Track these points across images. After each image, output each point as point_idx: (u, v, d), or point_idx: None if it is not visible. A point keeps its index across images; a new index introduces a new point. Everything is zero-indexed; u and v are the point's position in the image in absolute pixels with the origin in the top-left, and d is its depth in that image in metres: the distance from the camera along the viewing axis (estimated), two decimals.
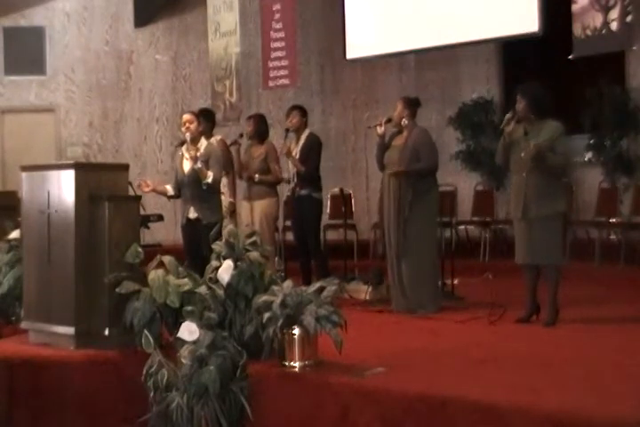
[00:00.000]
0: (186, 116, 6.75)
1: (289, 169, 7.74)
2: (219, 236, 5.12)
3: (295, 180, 7.64)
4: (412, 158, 6.55)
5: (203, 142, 6.77)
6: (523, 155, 5.83)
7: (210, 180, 6.50)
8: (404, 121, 6.67)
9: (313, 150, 7.68)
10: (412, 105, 6.76)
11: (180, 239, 6.98)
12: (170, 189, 6.79)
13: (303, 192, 7.60)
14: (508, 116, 5.96)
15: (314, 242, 7.70)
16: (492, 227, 9.84)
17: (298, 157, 7.61)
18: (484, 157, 10.18)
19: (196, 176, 6.51)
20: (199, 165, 6.46)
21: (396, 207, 6.53)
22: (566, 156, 5.89)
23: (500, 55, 10.66)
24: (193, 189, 6.61)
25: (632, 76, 9.29)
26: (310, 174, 7.62)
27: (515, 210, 5.96)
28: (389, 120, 6.74)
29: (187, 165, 6.66)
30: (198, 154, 6.49)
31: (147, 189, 6.47)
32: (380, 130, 6.72)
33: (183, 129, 6.72)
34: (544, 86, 6.00)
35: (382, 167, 6.78)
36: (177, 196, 6.79)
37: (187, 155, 6.65)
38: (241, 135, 7.92)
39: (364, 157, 11.52)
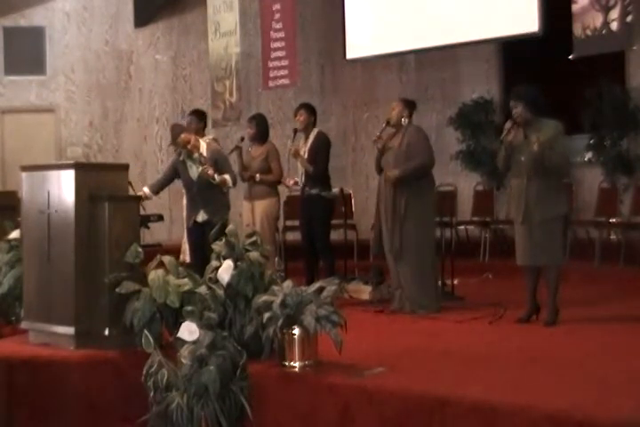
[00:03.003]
0: (183, 137, 6.74)
1: (297, 169, 7.65)
2: (219, 235, 5.13)
3: (304, 179, 7.58)
4: (407, 158, 6.54)
5: (202, 144, 6.79)
6: (523, 158, 5.83)
7: (231, 184, 6.83)
8: (404, 120, 6.68)
9: (322, 150, 7.58)
10: (411, 106, 6.78)
11: (178, 240, 7.00)
12: (147, 191, 6.83)
13: (313, 192, 7.50)
14: (507, 125, 5.93)
15: (323, 242, 7.62)
16: (492, 227, 9.84)
17: (306, 156, 7.52)
18: (484, 157, 10.18)
19: (206, 180, 6.61)
20: (217, 179, 6.66)
21: (392, 207, 6.52)
22: (564, 155, 5.87)
23: (500, 55, 10.65)
24: (203, 192, 6.74)
25: (632, 76, 9.29)
26: (319, 174, 7.53)
27: (516, 214, 5.94)
28: (388, 123, 6.71)
29: (193, 172, 6.72)
30: (204, 162, 6.58)
31: None
32: (380, 142, 6.67)
33: (186, 149, 6.74)
34: (536, 87, 5.99)
35: (380, 170, 6.78)
36: (156, 193, 6.95)
37: (189, 162, 6.72)
38: (242, 139, 7.91)
39: (364, 156, 11.57)
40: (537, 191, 5.79)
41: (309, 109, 7.74)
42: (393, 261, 6.61)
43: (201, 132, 7.61)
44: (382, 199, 6.69)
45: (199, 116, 7.77)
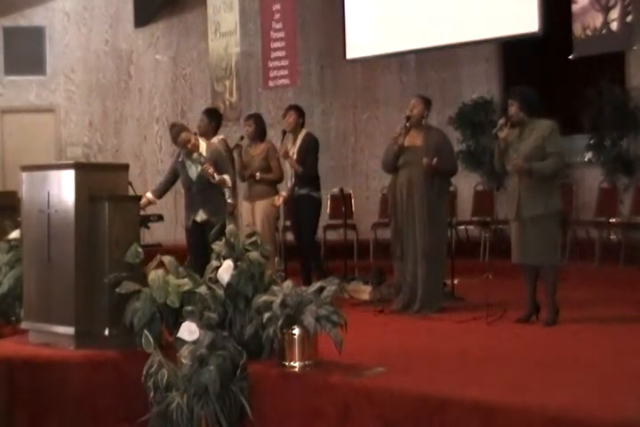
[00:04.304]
0: (183, 136, 6.67)
1: (287, 169, 7.74)
2: (219, 235, 5.13)
3: (293, 180, 7.65)
4: (436, 159, 6.54)
5: (202, 144, 6.78)
6: (515, 156, 5.83)
7: (230, 184, 6.81)
8: (425, 120, 6.71)
9: (310, 151, 7.67)
10: (429, 105, 6.80)
11: (180, 240, 6.99)
12: (150, 197, 6.82)
13: (302, 191, 7.61)
14: (500, 122, 5.97)
15: (308, 240, 7.70)
16: (492, 227, 9.84)
17: (295, 157, 7.60)
18: (484, 157, 10.16)
19: (205, 180, 6.59)
20: (216, 178, 6.62)
21: (425, 205, 6.49)
22: (557, 156, 5.85)
23: (500, 55, 10.66)
24: (202, 192, 6.72)
25: (632, 76, 9.28)
26: (308, 174, 7.63)
27: (509, 211, 5.98)
28: (409, 118, 6.65)
29: (192, 172, 6.70)
30: (204, 162, 6.56)
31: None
32: (401, 140, 6.62)
33: (186, 149, 6.68)
34: (533, 88, 6.02)
35: (392, 170, 6.75)
36: (159, 197, 6.94)
37: (188, 162, 6.70)
38: (242, 138, 7.93)
39: (364, 157, 11.58)
40: (529, 188, 5.81)
41: (298, 111, 7.82)
42: (420, 259, 6.52)
43: (211, 131, 7.61)
44: (404, 197, 6.61)
45: (209, 115, 7.78)
